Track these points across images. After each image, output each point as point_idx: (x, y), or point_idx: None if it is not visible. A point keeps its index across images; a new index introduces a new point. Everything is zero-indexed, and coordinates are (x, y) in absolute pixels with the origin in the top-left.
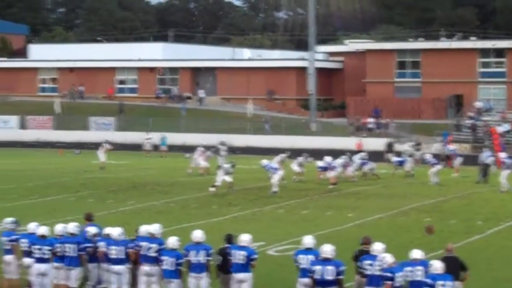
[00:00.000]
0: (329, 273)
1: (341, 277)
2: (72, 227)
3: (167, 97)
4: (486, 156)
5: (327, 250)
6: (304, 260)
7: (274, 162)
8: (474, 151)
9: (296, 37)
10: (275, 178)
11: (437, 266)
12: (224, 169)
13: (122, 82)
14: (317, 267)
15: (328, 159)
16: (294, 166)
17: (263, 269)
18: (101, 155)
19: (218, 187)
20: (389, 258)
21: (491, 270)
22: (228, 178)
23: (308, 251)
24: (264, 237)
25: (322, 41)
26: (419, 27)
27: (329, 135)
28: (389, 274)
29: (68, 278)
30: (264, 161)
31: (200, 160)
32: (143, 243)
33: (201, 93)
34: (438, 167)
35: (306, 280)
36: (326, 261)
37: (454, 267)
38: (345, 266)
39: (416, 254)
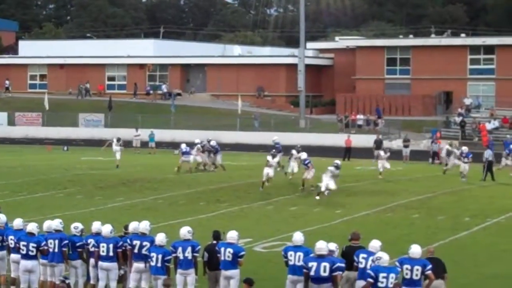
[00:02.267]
0: (324, 269)
1: (335, 273)
2: (56, 223)
3: (156, 94)
4: (490, 154)
5: (322, 247)
6: (293, 257)
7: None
8: None
9: (287, 33)
10: (311, 174)
11: (385, 259)
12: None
13: (111, 78)
14: (312, 264)
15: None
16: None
17: (250, 266)
18: (116, 153)
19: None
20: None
21: (477, 266)
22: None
23: (297, 247)
24: (251, 233)
25: (312, 37)
26: (409, 24)
27: (318, 132)
28: (372, 274)
29: (53, 274)
30: (304, 154)
31: (197, 157)
32: (136, 241)
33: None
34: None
35: (295, 277)
36: (320, 258)
37: (438, 268)
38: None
39: (416, 249)
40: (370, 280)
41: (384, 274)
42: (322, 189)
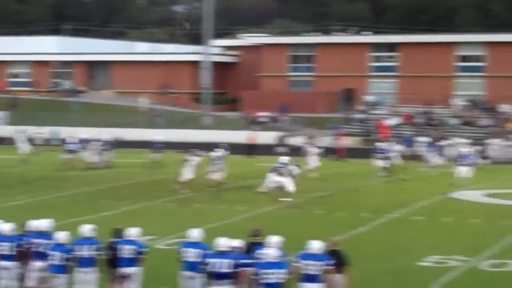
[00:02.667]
0: (224, 266)
1: (238, 270)
2: None
3: (60, 91)
4: (387, 150)
5: (222, 243)
6: (191, 253)
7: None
8: (365, 145)
9: (194, 31)
10: (220, 175)
11: (273, 255)
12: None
13: (15, 75)
14: (212, 260)
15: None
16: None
17: (152, 263)
18: (21, 146)
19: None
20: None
21: (375, 262)
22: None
23: (195, 244)
24: (154, 231)
25: (219, 35)
26: (315, 22)
27: (222, 129)
28: (256, 270)
29: None
30: (217, 153)
31: (92, 155)
32: (36, 240)
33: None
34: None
35: (191, 273)
36: (220, 254)
37: (338, 262)
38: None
39: (316, 245)
40: (255, 276)
41: (269, 270)
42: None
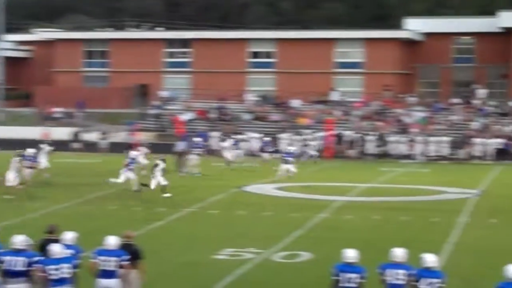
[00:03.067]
0: (18, 264)
1: (32, 268)
2: None
3: None
4: (183, 145)
5: (16, 241)
6: None
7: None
8: (160, 140)
9: None
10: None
11: (56, 251)
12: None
13: None
14: (7, 258)
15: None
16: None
17: None
18: None
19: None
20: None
21: (171, 255)
22: None
23: None
24: None
25: (11, 29)
26: (108, 17)
27: (16, 125)
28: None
29: None
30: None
31: None
32: None
33: None
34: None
35: None
36: (15, 252)
37: (131, 255)
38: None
39: (112, 241)
40: (40, 273)
41: (55, 266)
42: (152, 186)
